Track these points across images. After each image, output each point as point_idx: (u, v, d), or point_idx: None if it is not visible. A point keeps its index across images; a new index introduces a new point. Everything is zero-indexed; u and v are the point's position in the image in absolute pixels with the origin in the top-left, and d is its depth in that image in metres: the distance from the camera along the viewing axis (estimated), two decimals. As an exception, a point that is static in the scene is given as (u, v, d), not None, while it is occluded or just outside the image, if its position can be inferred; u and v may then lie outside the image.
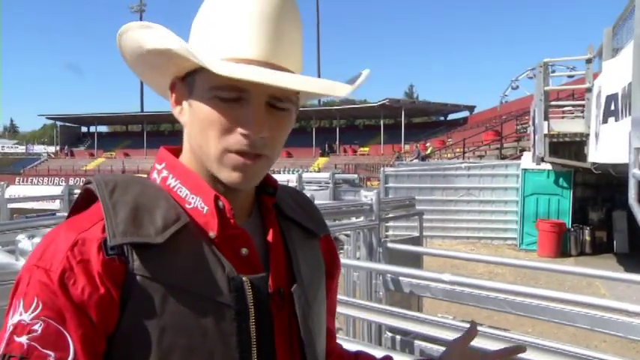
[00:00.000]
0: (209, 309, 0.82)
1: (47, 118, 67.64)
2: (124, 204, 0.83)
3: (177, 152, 0.95)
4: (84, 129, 68.28)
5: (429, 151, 28.91)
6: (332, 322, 1.15)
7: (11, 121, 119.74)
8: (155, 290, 0.80)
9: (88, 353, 0.77)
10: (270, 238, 0.93)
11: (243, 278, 0.85)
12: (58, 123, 66.40)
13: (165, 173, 0.91)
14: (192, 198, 0.88)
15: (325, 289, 1.04)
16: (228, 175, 0.85)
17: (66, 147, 64.24)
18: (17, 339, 0.74)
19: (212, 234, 0.86)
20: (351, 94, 0.88)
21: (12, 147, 73.72)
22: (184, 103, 0.89)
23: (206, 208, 0.87)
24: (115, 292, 0.79)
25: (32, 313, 0.76)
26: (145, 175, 0.95)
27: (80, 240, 0.80)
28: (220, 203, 0.87)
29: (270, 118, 0.84)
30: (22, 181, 41.86)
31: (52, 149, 65.35)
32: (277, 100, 0.85)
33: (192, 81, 0.87)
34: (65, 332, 0.75)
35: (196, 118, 0.86)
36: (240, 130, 0.83)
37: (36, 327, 0.75)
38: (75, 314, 0.76)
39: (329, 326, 1.12)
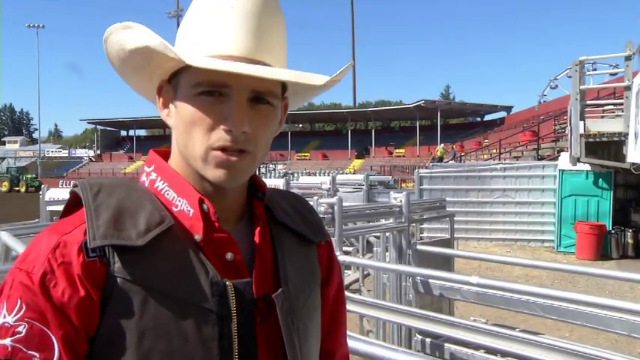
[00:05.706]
0: (190, 313, 0.81)
1: (88, 122, 69.44)
2: (107, 207, 0.83)
3: (166, 155, 0.95)
4: (123, 133, 69.77)
5: (439, 153, 27.24)
6: (339, 336, 1.09)
7: (55, 126, 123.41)
8: (135, 293, 0.79)
9: (70, 354, 0.77)
10: (256, 242, 0.91)
11: (227, 283, 0.84)
12: (99, 127, 68.01)
13: (153, 176, 0.91)
14: (179, 201, 0.88)
15: (320, 297, 1.01)
16: (213, 173, 0.85)
17: (96, 149, 65.61)
18: (1, 342, 0.75)
19: (197, 237, 0.85)
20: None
21: (56, 151, 75.75)
22: (171, 105, 0.90)
23: (192, 210, 0.87)
24: (95, 294, 0.79)
25: (16, 315, 0.76)
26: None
27: (62, 242, 0.80)
28: (205, 206, 0.86)
29: (252, 112, 0.84)
30: (65, 184, 43.17)
31: (93, 153, 67.04)
32: (260, 94, 0.85)
33: (177, 82, 0.88)
34: (49, 332, 0.75)
35: (181, 118, 0.86)
36: (222, 126, 0.83)
37: (20, 329, 0.75)
38: (56, 316, 0.77)
39: (340, 341, 1.08)
